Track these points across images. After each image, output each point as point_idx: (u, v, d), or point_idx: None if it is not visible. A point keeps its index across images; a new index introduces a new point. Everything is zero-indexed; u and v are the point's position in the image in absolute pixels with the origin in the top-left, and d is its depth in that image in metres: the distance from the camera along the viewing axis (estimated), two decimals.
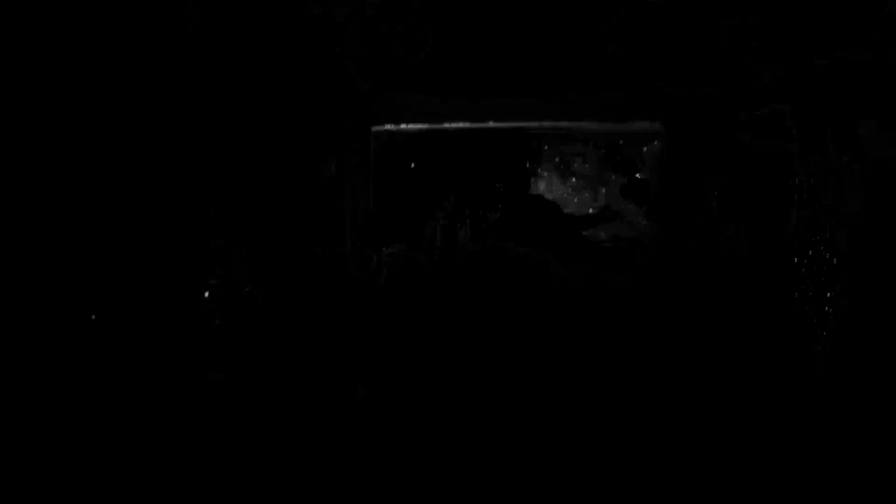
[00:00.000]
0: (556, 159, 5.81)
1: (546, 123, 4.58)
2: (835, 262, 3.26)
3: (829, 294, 3.27)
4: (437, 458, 2.54)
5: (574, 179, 5.72)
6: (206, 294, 2.23)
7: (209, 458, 2.09)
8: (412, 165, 5.51)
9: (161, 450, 1.84)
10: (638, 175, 5.52)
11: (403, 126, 4.25)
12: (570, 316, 2.86)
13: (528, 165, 5.83)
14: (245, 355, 2.46)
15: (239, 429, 2.30)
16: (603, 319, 2.97)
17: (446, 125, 4.24)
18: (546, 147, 5.80)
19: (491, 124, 4.29)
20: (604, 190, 5.67)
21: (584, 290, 2.95)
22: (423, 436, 2.64)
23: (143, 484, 1.74)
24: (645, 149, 5.46)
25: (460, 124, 4.23)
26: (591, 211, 4.38)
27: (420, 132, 4.50)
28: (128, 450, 1.71)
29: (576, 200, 5.68)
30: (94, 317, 1.61)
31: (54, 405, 1.48)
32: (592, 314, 2.93)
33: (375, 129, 4.30)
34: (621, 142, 5.50)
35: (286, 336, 2.80)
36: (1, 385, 1.34)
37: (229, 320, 2.38)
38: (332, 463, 2.47)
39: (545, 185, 5.78)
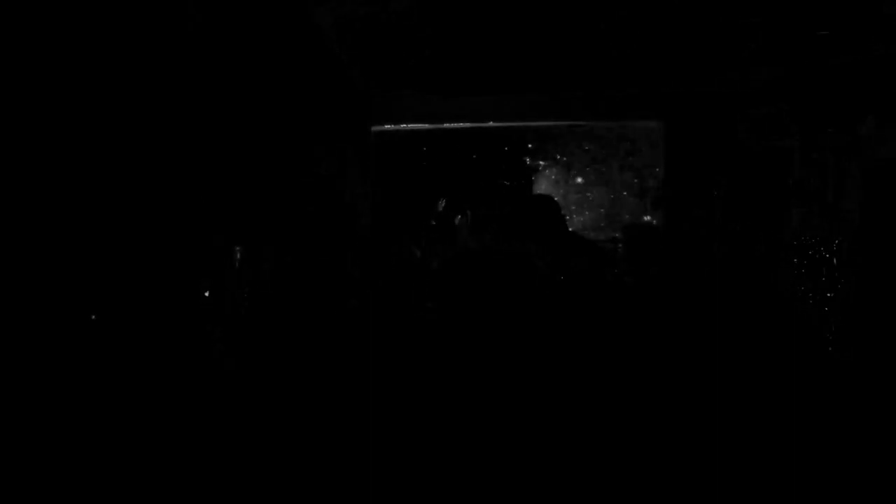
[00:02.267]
0: (557, 157, 5.83)
1: (546, 123, 4.60)
2: (835, 262, 3.26)
3: (829, 294, 3.27)
4: (442, 453, 2.54)
5: (577, 178, 5.74)
6: (207, 293, 2.23)
7: (211, 457, 2.09)
8: (413, 165, 5.52)
9: (162, 450, 1.85)
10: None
11: (403, 126, 4.26)
12: (571, 314, 2.86)
13: (528, 163, 5.85)
14: (246, 354, 2.46)
15: (240, 429, 2.30)
16: (603, 317, 2.97)
17: (446, 125, 4.25)
18: (546, 145, 5.81)
19: (491, 124, 4.30)
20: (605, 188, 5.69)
21: (584, 287, 2.95)
22: (428, 432, 2.64)
23: (144, 484, 1.75)
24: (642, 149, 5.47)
25: (460, 124, 4.24)
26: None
27: (420, 131, 4.51)
28: (129, 450, 1.71)
29: (577, 198, 5.70)
30: (94, 317, 1.61)
31: (55, 405, 1.49)
32: (593, 312, 2.93)
33: (375, 128, 4.31)
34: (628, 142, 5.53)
35: (288, 336, 2.80)
36: (1, 385, 1.34)
37: (231, 320, 2.38)
38: (336, 459, 2.47)
39: (547, 184, 5.79)
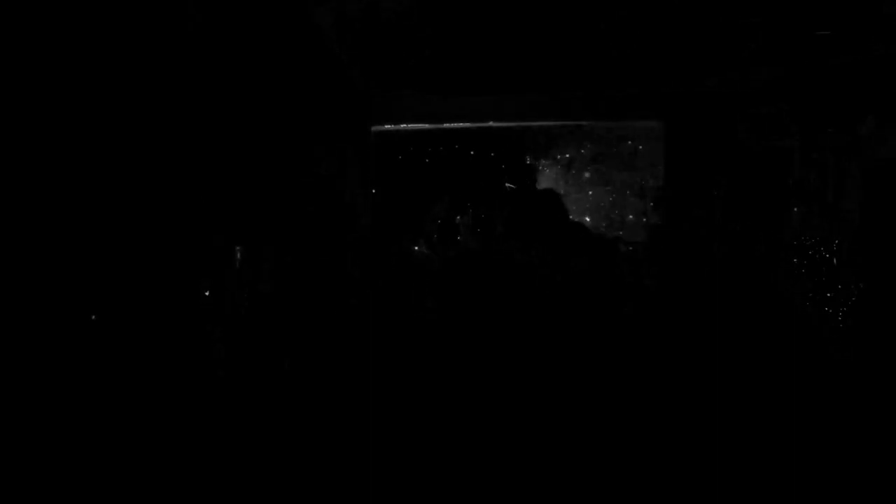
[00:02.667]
0: (557, 157, 5.82)
1: (546, 123, 4.60)
2: (835, 262, 3.26)
3: (829, 294, 3.27)
4: (441, 453, 2.54)
5: (577, 178, 5.73)
6: (207, 293, 2.23)
7: (212, 457, 2.09)
8: (413, 165, 5.52)
9: (163, 450, 1.85)
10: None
11: (403, 126, 4.26)
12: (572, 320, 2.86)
13: (528, 163, 5.84)
14: (246, 354, 2.46)
15: (243, 428, 2.30)
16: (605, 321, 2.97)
17: (446, 125, 4.25)
18: (546, 145, 5.81)
19: (491, 124, 4.30)
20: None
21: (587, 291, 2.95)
22: (428, 432, 2.64)
23: (144, 484, 1.75)
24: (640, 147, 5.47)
25: (460, 124, 4.23)
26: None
27: (420, 131, 4.51)
28: (129, 450, 1.71)
29: (577, 198, 5.69)
30: (94, 317, 1.61)
31: (55, 405, 1.49)
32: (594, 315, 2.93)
33: (375, 128, 4.31)
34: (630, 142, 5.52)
35: (288, 336, 2.80)
36: (1, 385, 1.34)
37: (230, 320, 2.38)
38: (337, 458, 2.47)
39: (547, 183, 5.79)
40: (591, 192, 5.71)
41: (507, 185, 5.67)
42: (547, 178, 5.81)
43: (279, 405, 2.60)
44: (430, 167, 5.55)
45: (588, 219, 5.66)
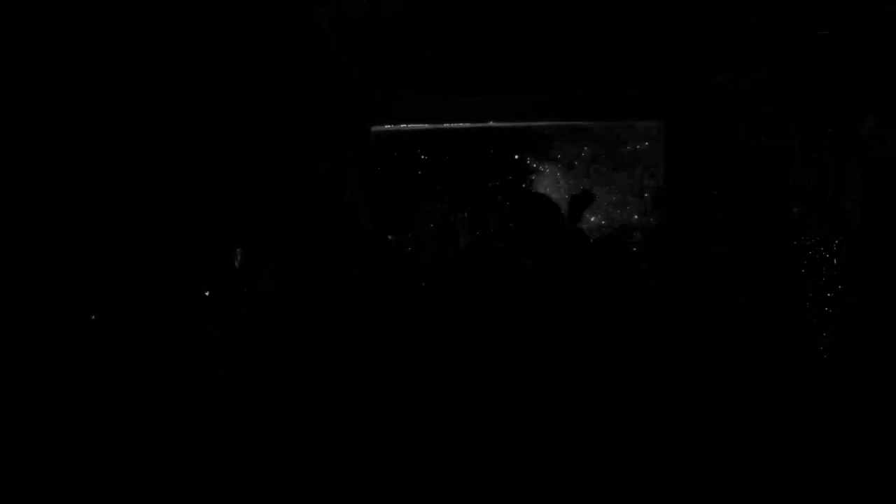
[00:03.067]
0: (558, 157, 5.82)
1: (546, 123, 4.60)
2: (835, 262, 3.26)
3: (829, 294, 3.27)
4: (441, 454, 2.54)
5: (577, 178, 5.73)
6: (207, 293, 2.23)
7: (212, 456, 2.09)
8: (412, 165, 5.52)
9: (163, 449, 1.85)
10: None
11: (403, 126, 4.26)
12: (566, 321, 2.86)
13: (528, 163, 5.84)
14: (246, 354, 2.47)
15: (242, 428, 2.30)
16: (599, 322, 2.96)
17: (446, 125, 4.24)
18: (546, 145, 5.81)
19: (491, 124, 4.30)
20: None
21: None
22: (427, 433, 2.64)
23: (144, 483, 1.75)
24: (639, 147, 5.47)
25: (460, 124, 4.23)
26: (566, 196, 4.31)
27: (420, 131, 4.51)
28: (129, 449, 1.71)
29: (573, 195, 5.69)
30: (94, 317, 1.61)
31: (55, 404, 1.49)
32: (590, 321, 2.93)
33: (375, 128, 4.31)
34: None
35: (288, 336, 2.80)
36: (1, 385, 1.34)
37: (230, 320, 2.38)
38: (336, 459, 2.47)
39: (547, 183, 5.79)
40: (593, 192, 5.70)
41: (504, 183, 5.67)
42: (547, 178, 5.81)
43: (279, 405, 2.60)
44: (429, 167, 5.55)
45: (592, 218, 5.66)
